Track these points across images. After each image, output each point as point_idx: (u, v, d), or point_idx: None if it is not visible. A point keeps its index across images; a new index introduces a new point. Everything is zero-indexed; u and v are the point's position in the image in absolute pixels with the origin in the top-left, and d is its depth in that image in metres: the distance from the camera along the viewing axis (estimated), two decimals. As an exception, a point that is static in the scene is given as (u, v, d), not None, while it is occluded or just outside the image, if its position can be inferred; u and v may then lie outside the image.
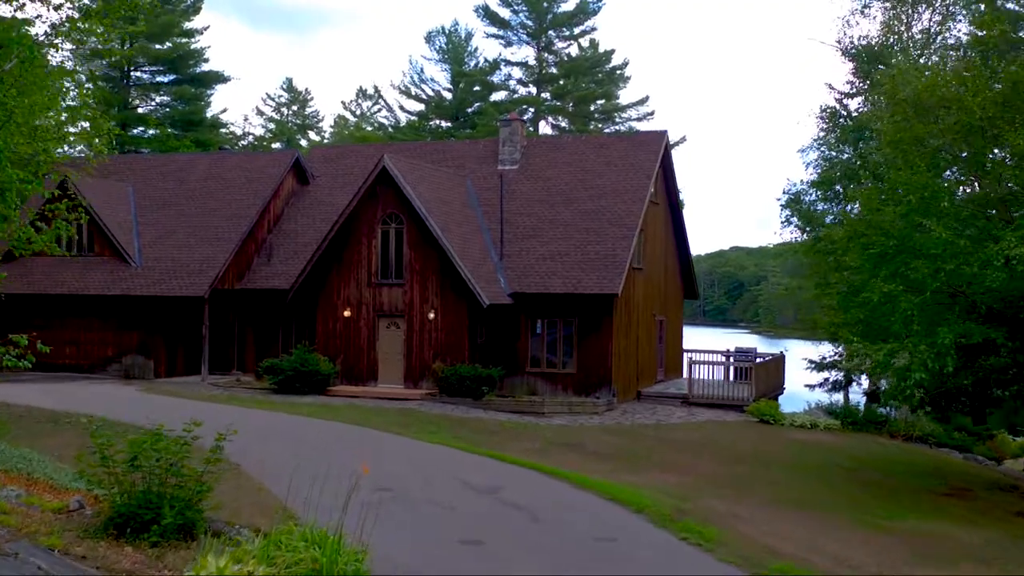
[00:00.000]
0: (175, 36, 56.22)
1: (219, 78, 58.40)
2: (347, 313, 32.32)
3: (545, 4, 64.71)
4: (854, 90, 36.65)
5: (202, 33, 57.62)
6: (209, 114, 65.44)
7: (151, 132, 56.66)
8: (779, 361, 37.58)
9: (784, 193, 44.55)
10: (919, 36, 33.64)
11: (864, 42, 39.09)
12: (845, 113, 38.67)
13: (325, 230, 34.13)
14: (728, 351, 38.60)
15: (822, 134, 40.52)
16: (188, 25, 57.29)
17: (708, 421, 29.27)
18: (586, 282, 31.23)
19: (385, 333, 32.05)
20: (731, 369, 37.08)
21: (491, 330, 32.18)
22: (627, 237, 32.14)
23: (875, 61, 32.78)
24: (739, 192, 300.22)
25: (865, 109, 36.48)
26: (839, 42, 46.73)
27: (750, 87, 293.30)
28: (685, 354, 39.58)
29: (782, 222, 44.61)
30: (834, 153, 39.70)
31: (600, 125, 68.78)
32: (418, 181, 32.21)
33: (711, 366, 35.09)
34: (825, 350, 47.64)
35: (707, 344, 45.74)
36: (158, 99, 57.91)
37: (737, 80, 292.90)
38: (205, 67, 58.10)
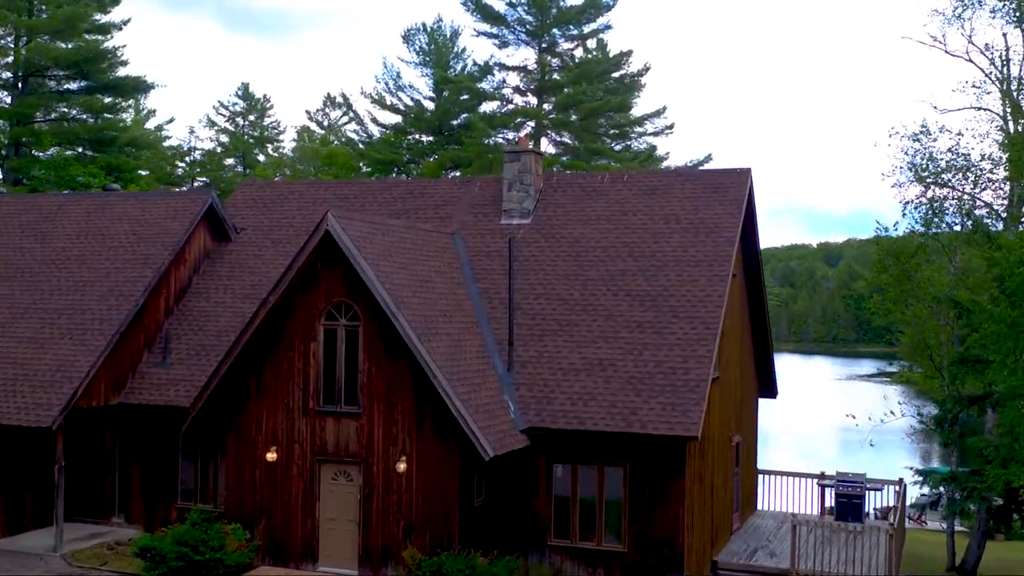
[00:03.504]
0: (84, 32, 44.30)
1: (140, 85, 46.28)
2: (271, 456, 20.87)
3: (548, -3, 53.35)
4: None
5: (120, 28, 45.72)
6: (152, 124, 53.86)
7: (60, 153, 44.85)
8: (902, 495, 26.58)
9: (875, 243, 33.57)
10: None
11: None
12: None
13: (252, 308, 22.83)
14: (824, 477, 27.54)
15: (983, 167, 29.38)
16: (102, 19, 45.42)
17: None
18: (644, 413, 19.95)
19: (331, 488, 20.62)
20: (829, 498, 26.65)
21: (494, 483, 20.82)
22: (705, 339, 20.86)
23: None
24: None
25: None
26: (936, 39, 36.05)
27: (750, 88, 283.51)
28: (760, 476, 28.46)
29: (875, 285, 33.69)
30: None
31: (612, 142, 57.58)
32: (382, 252, 20.85)
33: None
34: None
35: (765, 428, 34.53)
36: (61, 111, 45.72)
37: (736, 79, 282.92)
38: (123, 71, 46.01)
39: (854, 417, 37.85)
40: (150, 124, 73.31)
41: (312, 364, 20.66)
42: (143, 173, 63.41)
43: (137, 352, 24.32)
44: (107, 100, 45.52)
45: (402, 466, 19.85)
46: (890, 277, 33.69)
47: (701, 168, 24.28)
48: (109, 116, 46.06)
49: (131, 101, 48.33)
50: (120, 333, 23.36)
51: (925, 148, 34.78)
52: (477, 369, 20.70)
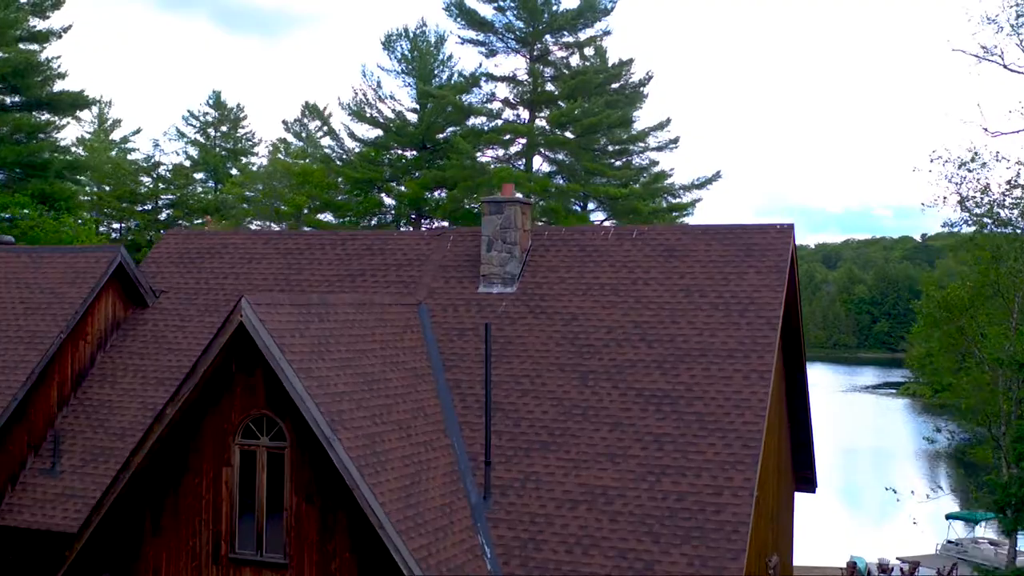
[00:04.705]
0: (16, 41, 39.01)
1: (79, 101, 40.90)
2: (173, 616, 15.87)
3: (540, 1, 48.18)
4: None
5: (60, 36, 40.40)
6: (117, 135, 48.57)
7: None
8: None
9: (926, 297, 28.62)
10: None
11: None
12: None
13: (167, 397, 17.79)
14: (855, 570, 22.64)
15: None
16: (39, 25, 40.24)
17: None
18: (664, 567, 14.96)
19: (249, 661, 15.62)
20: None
21: (466, 652, 15.80)
22: (743, 462, 15.87)
23: None
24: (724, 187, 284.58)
25: None
26: (986, 48, 31.37)
27: (746, 87, 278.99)
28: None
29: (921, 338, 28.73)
30: None
31: (611, 159, 52.56)
32: (317, 347, 15.82)
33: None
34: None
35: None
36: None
37: (731, 78, 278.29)
38: (60, 85, 40.73)
39: (895, 491, 32.91)
40: (115, 135, 68.40)
41: (225, 496, 15.62)
42: (107, 188, 58.52)
43: (19, 457, 19.29)
44: (43, 118, 40.31)
45: (341, 639, 14.86)
46: (943, 334, 28.77)
47: (731, 225, 19.32)
48: (42, 136, 40.87)
49: (70, 118, 42.81)
50: (-9, 436, 18.36)
51: (976, 177, 30.16)
52: (442, 504, 15.68)
